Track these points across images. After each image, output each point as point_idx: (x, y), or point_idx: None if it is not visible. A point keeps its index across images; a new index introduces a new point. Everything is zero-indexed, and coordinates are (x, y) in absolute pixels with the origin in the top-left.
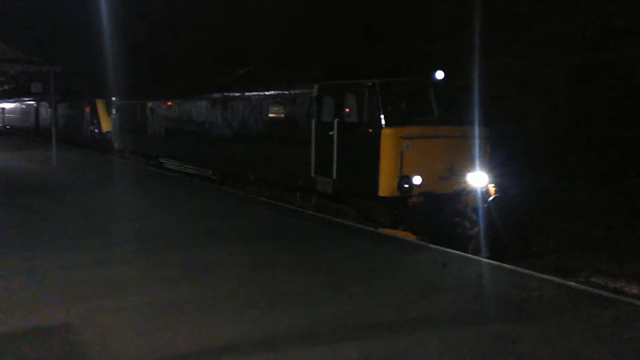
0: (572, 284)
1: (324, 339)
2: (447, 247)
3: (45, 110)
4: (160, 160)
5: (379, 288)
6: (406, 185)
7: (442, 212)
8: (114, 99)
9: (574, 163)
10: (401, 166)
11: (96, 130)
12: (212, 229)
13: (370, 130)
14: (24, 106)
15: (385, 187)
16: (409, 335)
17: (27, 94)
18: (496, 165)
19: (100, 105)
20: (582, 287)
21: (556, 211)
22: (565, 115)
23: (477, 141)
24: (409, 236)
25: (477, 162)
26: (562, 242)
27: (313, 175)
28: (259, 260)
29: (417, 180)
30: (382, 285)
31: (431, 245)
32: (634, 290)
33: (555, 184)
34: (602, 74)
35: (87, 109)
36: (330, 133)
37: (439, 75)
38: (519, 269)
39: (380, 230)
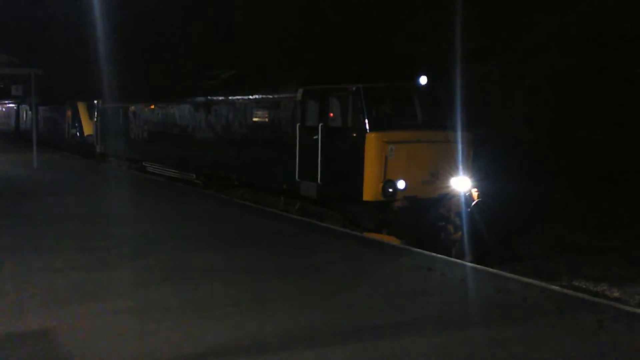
0: (555, 287)
1: (309, 343)
2: (431, 252)
3: (25, 113)
4: (143, 164)
5: (364, 292)
6: (390, 190)
7: (426, 217)
8: (96, 101)
9: (555, 167)
10: (385, 171)
11: (77, 134)
12: (196, 233)
13: (355, 135)
14: (4, 109)
15: (370, 191)
16: (394, 340)
17: (8, 96)
18: (479, 169)
19: (81, 108)
20: (565, 290)
21: (539, 215)
22: (547, 120)
23: (460, 146)
24: (393, 240)
25: (461, 167)
26: (544, 246)
27: (297, 179)
28: (243, 264)
29: (401, 184)
30: (367, 289)
31: (415, 250)
32: (616, 294)
33: (538, 188)
34: (585, 80)
35: (69, 112)
36: (315, 137)
37: (423, 80)
38: (502, 272)
39: (365, 234)
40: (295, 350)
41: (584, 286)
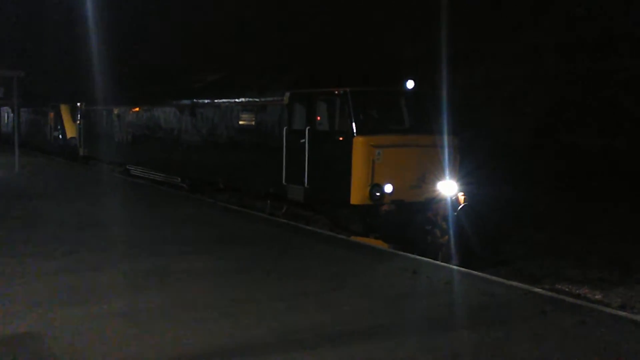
0: (538, 290)
1: (296, 346)
2: (418, 255)
3: (7, 115)
4: (127, 167)
5: (351, 295)
6: (378, 194)
7: (413, 221)
8: (79, 104)
9: (538, 171)
10: (373, 174)
11: (60, 136)
12: (181, 236)
13: (342, 139)
14: None
15: (357, 195)
16: (380, 342)
17: None
18: (465, 174)
19: (64, 111)
20: (548, 293)
21: (522, 219)
22: (529, 125)
23: (447, 150)
24: (380, 244)
25: (447, 171)
26: (528, 249)
27: (284, 183)
28: (230, 268)
29: (388, 188)
30: (354, 292)
31: (401, 253)
32: (597, 296)
33: (521, 192)
34: (566, 85)
35: (51, 115)
36: (302, 141)
37: (410, 84)
38: (486, 275)
39: (352, 238)
40: (283, 353)
41: (566, 289)
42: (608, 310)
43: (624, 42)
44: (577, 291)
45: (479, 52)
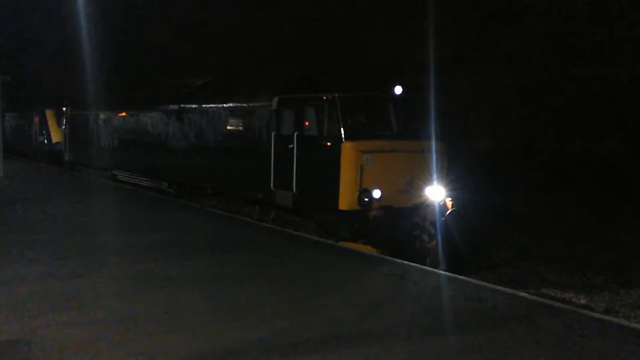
0: (524, 294)
1: (282, 351)
2: (406, 260)
3: None
4: (113, 172)
5: (338, 300)
6: (366, 199)
7: (401, 226)
8: (64, 109)
9: (524, 177)
10: (361, 180)
11: (45, 141)
12: (168, 242)
13: (330, 144)
14: None
15: (345, 200)
16: (368, 347)
17: None
18: (453, 179)
19: (50, 116)
20: (534, 297)
21: (508, 224)
22: (513, 131)
23: (435, 155)
24: (368, 249)
25: (435, 176)
26: (514, 255)
27: (272, 188)
28: (217, 273)
29: (376, 194)
30: (341, 297)
31: (388, 258)
32: (582, 301)
33: (506, 198)
34: (550, 92)
35: (36, 119)
36: (290, 146)
37: (398, 90)
38: (473, 280)
39: (340, 243)
40: (269, 358)
41: (551, 293)
42: (593, 314)
43: (604, 49)
44: (563, 295)
45: (467, 58)
